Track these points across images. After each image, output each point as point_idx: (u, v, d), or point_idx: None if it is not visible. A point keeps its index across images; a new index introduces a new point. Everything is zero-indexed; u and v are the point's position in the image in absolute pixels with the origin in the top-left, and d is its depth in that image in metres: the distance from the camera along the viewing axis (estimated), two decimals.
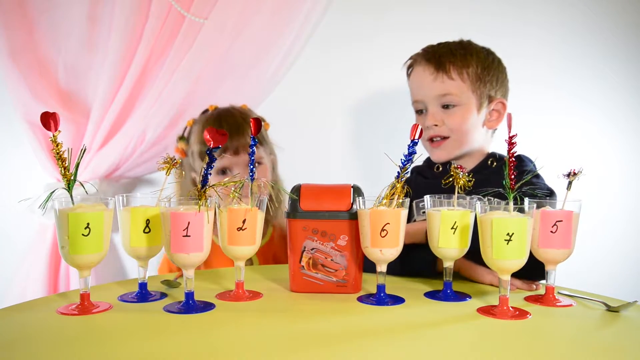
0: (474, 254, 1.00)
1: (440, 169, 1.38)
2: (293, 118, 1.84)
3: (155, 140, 1.68)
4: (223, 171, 1.47)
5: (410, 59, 1.40)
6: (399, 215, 0.95)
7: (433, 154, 1.37)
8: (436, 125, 1.32)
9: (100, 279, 1.69)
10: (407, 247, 1.00)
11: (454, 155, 1.34)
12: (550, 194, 1.15)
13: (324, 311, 0.94)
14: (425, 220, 1.19)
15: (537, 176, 1.25)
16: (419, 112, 1.38)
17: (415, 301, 0.99)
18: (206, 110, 1.56)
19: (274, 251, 1.56)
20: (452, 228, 0.99)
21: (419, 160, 1.35)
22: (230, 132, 1.41)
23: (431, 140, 1.35)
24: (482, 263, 1.01)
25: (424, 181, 1.38)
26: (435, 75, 1.32)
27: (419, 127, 0.95)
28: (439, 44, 1.37)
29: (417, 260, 1.14)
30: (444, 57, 1.32)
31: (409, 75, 1.41)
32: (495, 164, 1.33)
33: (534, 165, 1.28)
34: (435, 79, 1.32)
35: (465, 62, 1.31)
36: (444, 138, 1.34)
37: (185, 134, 1.57)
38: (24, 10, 1.63)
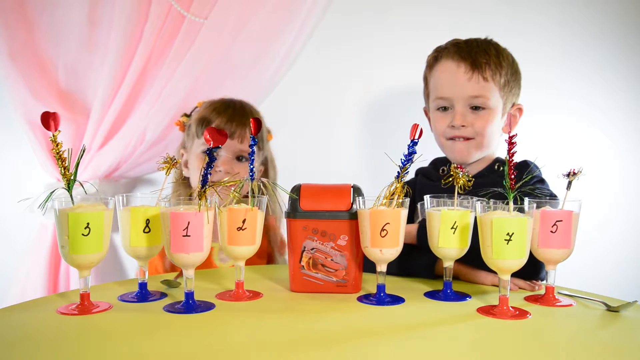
0: (471, 256, 1.00)
1: (447, 170, 1.35)
2: (293, 118, 1.84)
3: (155, 140, 1.68)
4: (239, 158, 1.48)
5: (435, 51, 1.34)
6: (399, 215, 0.95)
7: (453, 153, 1.31)
8: (464, 126, 1.27)
9: (100, 279, 1.69)
10: (404, 250, 0.99)
11: (473, 158, 1.30)
12: (551, 198, 1.13)
13: (324, 311, 0.94)
14: (416, 223, 1.19)
15: (542, 181, 1.24)
16: (441, 109, 1.32)
17: (415, 301, 0.99)
18: (195, 108, 1.57)
19: None
20: (452, 228, 0.99)
21: (424, 162, 1.34)
22: (241, 119, 1.46)
23: (452, 139, 1.30)
24: (479, 266, 1.01)
25: (429, 183, 1.34)
26: (470, 75, 1.26)
27: (419, 127, 0.94)
28: (469, 40, 1.31)
29: (412, 264, 1.14)
30: (480, 55, 1.27)
31: (431, 68, 1.34)
32: (502, 167, 1.30)
33: (540, 172, 1.25)
34: (471, 78, 1.26)
35: (498, 63, 1.27)
36: (467, 139, 1.29)
37: (193, 114, 1.57)
38: (24, 10, 1.62)
